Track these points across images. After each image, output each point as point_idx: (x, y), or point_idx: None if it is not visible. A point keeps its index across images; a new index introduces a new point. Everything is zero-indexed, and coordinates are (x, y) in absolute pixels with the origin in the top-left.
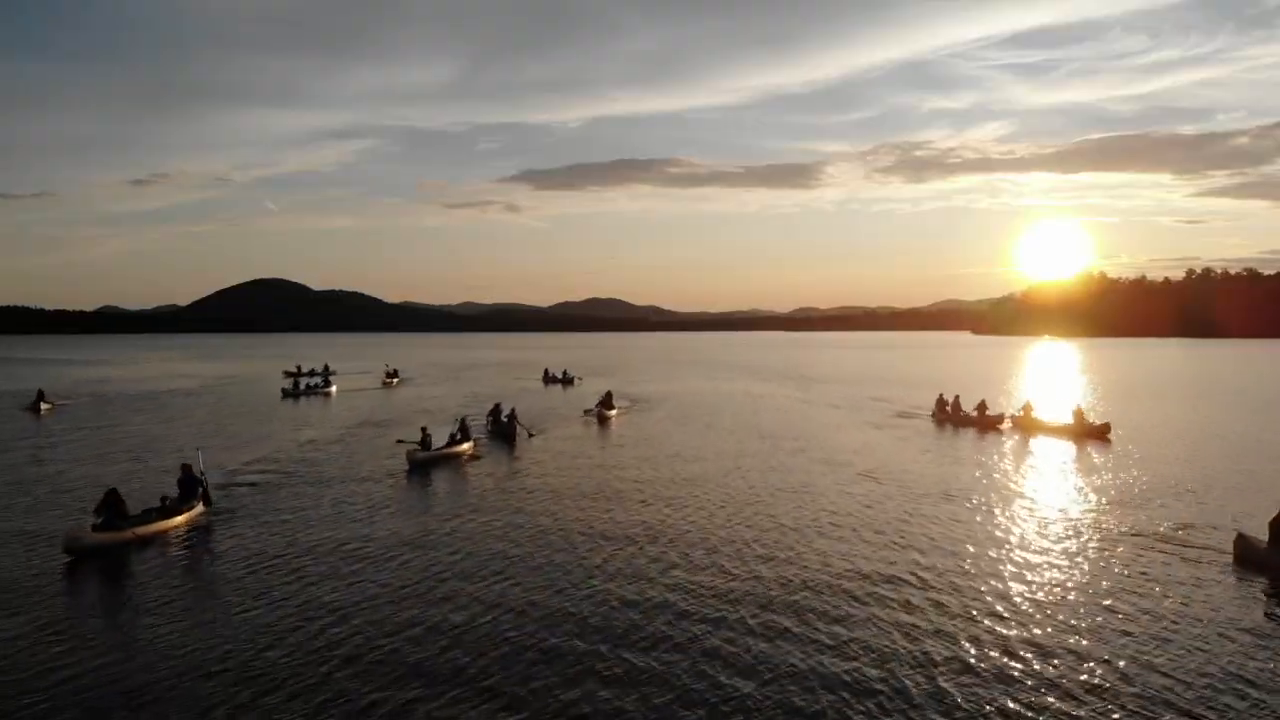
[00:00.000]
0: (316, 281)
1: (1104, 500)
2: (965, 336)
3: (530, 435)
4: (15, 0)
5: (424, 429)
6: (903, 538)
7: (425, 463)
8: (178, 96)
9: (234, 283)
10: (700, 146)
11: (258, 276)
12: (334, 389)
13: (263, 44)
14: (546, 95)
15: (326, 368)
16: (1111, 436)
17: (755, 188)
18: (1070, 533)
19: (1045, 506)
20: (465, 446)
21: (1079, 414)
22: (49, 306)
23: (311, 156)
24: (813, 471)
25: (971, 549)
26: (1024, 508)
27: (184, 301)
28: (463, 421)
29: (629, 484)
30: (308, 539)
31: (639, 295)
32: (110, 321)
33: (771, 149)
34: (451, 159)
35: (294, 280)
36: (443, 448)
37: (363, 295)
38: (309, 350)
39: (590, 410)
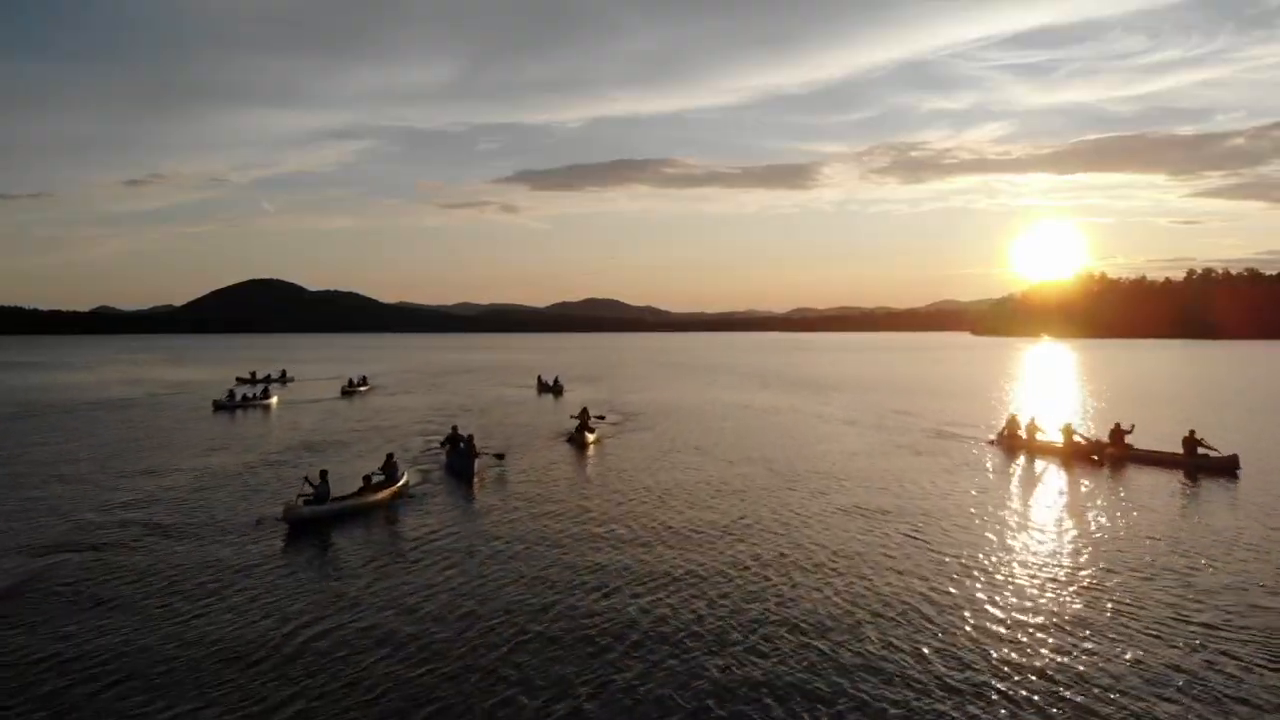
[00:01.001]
0: (313, 282)
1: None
2: (965, 337)
3: (498, 457)
4: (15, 0)
5: (323, 472)
6: (1002, 670)
7: (312, 521)
8: (176, 97)
9: (230, 283)
10: (698, 147)
11: (254, 277)
12: (274, 400)
13: (262, 44)
14: (546, 95)
15: (284, 374)
16: (1240, 471)
17: (752, 188)
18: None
19: (1192, 600)
20: (381, 495)
21: (1193, 441)
22: (46, 307)
23: (310, 157)
24: (847, 534)
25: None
26: (1167, 606)
27: (180, 302)
28: (388, 459)
29: (588, 564)
30: (76, 676)
31: (636, 296)
32: (105, 322)
33: (769, 149)
34: (450, 159)
35: (290, 280)
36: (347, 497)
37: (359, 295)
38: (303, 351)
39: (570, 434)
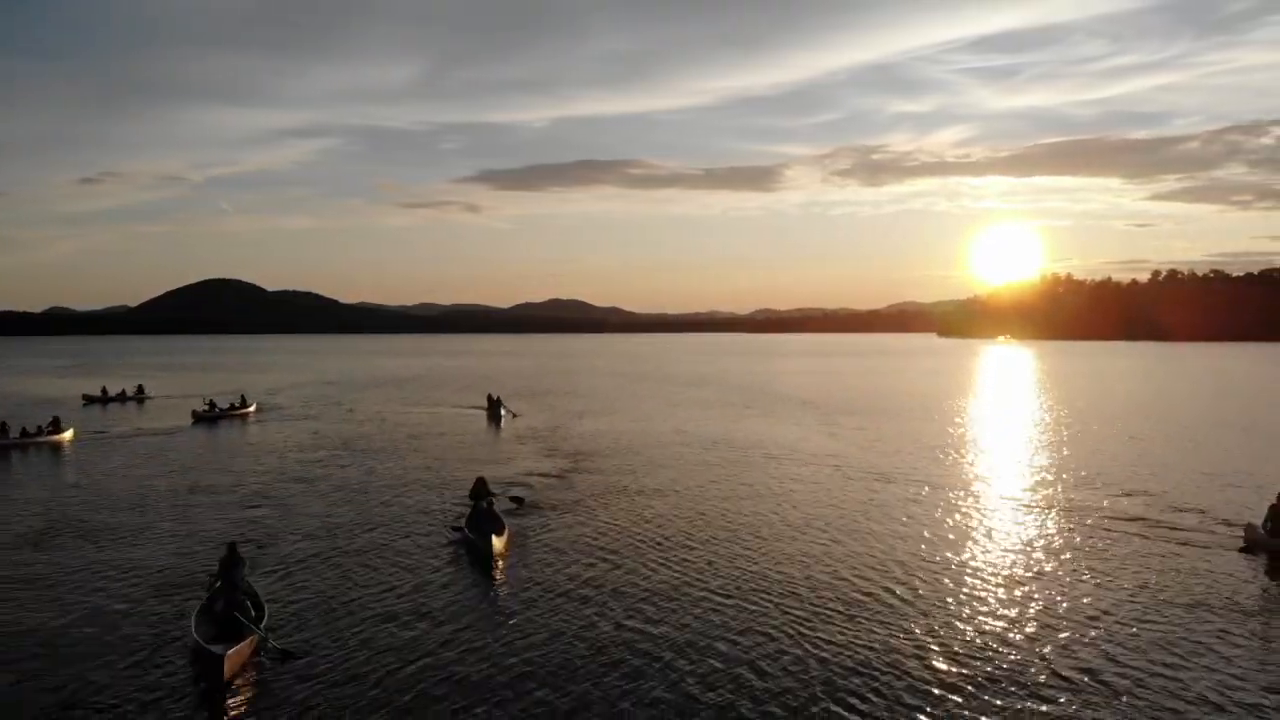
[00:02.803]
0: (272, 282)
1: None
2: (931, 339)
3: (281, 656)
4: None
5: None
6: None
7: None
8: (133, 94)
9: (186, 283)
10: (663, 148)
11: (212, 277)
12: (68, 435)
13: (222, 41)
14: (510, 95)
15: (141, 389)
16: None
17: (717, 190)
18: None
19: None
20: None
21: None
22: None
23: (270, 156)
24: None
25: None
26: None
27: (135, 302)
28: None
29: None
30: None
31: (601, 297)
32: (59, 323)
33: (733, 151)
34: (413, 159)
35: (248, 281)
36: None
37: (319, 296)
38: (239, 355)
39: (457, 528)
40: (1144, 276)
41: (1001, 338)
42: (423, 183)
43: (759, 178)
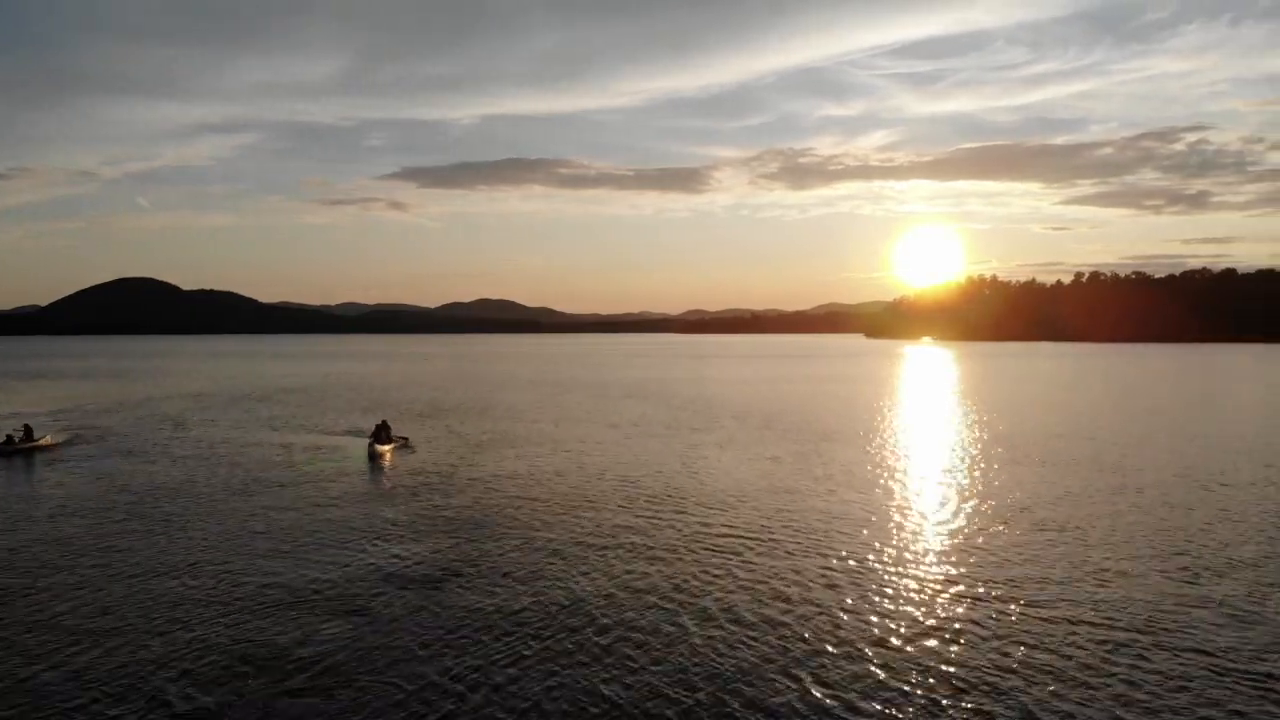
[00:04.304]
0: (189, 281)
1: None
2: (859, 340)
3: None
4: None
5: None
6: None
7: None
8: (43, 86)
9: (98, 282)
10: (592, 148)
11: (126, 276)
12: None
13: (138, 31)
14: (438, 92)
15: None
16: None
17: (646, 191)
18: None
19: None
20: None
21: None
22: None
23: (188, 151)
24: None
25: None
26: None
27: (45, 302)
28: None
29: None
30: None
31: (531, 296)
32: None
33: (663, 152)
34: (338, 155)
35: (164, 280)
36: None
37: (236, 295)
38: (155, 357)
39: None
40: (1065, 278)
41: (926, 339)
42: (347, 179)
43: (688, 179)
